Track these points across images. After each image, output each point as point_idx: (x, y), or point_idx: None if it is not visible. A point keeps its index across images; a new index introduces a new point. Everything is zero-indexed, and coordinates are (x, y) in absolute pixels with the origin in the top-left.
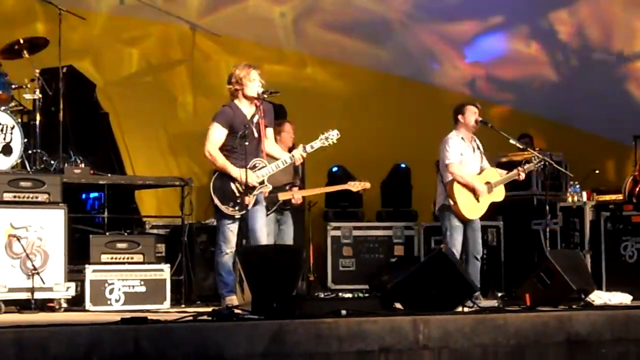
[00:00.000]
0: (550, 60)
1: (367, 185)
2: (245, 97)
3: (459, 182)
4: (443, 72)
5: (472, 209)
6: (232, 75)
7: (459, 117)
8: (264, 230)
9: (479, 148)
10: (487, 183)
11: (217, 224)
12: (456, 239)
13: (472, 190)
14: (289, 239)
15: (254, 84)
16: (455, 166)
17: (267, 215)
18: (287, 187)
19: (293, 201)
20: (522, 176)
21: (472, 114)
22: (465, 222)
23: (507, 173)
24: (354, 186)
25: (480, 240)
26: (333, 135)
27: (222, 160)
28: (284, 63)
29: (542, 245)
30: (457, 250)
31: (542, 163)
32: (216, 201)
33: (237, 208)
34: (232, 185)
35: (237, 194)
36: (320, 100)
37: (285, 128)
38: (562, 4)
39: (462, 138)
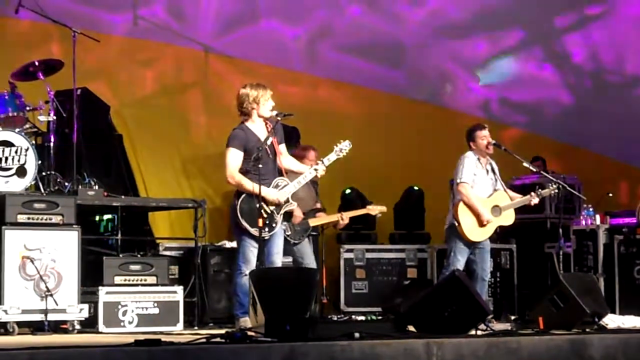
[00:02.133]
0: (564, 83)
1: (384, 209)
2: (259, 116)
3: (465, 204)
4: (456, 94)
5: (477, 231)
6: (247, 95)
7: (471, 144)
8: (280, 255)
9: (493, 171)
10: (496, 206)
11: (238, 245)
12: (459, 259)
13: (477, 215)
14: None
15: (268, 104)
16: (465, 186)
17: (299, 242)
18: (314, 214)
19: (338, 226)
20: (535, 201)
21: (481, 139)
22: (473, 244)
23: (520, 197)
24: (372, 210)
25: (489, 262)
26: (346, 145)
27: (246, 182)
28: (298, 85)
29: (555, 269)
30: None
31: (557, 189)
32: (244, 224)
33: (266, 229)
34: (258, 207)
35: (265, 215)
36: (333, 122)
37: (310, 155)
38: (576, 27)
39: (478, 159)
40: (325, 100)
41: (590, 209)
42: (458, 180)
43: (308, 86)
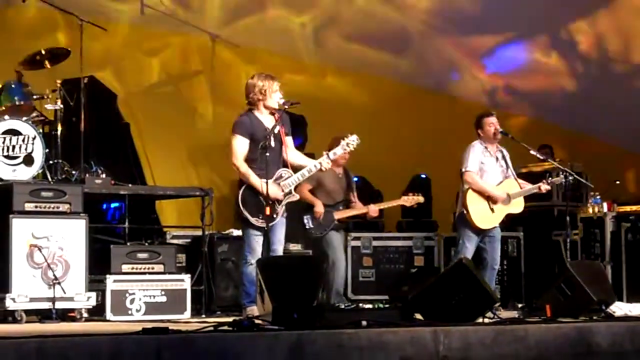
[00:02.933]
0: (570, 71)
1: (420, 199)
2: (266, 107)
3: (474, 190)
4: (463, 82)
5: (486, 218)
6: (254, 85)
7: (479, 131)
8: (282, 244)
9: (504, 158)
10: (505, 194)
11: (243, 234)
12: (468, 247)
13: (488, 199)
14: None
15: (276, 95)
16: (470, 174)
17: (322, 235)
18: (341, 207)
19: (368, 216)
20: (545, 189)
21: (489, 126)
22: (483, 232)
23: (530, 185)
24: (407, 201)
25: (499, 251)
26: (353, 139)
27: (248, 174)
28: (304, 73)
29: (562, 256)
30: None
31: (565, 177)
32: (245, 213)
33: (265, 221)
34: (261, 197)
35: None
36: (340, 110)
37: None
38: (582, 15)
39: (486, 147)
40: (331, 88)
41: (598, 197)
42: (463, 169)
43: (314, 74)
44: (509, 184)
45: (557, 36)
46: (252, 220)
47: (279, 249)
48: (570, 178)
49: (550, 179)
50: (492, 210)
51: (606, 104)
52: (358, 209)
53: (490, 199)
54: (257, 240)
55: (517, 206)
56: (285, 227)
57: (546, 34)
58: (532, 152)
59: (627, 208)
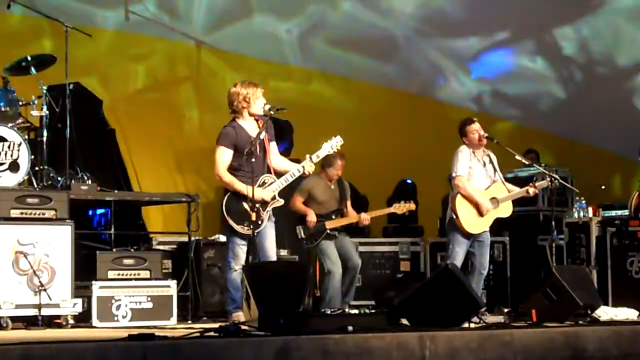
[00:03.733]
0: (556, 76)
1: (412, 206)
2: (250, 114)
3: (462, 196)
4: (449, 87)
5: (475, 223)
6: (237, 93)
7: (464, 139)
8: (274, 248)
9: (491, 162)
10: (493, 198)
11: (227, 241)
12: (458, 252)
13: (476, 205)
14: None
15: (259, 102)
16: (461, 179)
17: (314, 245)
18: (333, 216)
19: (360, 224)
20: (533, 193)
21: (472, 133)
22: (472, 237)
23: (518, 189)
24: (398, 208)
25: (488, 256)
26: (337, 141)
27: (232, 182)
28: (290, 79)
29: (548, 261)
30: (458, 263)
31: (551, 181)
32: (231, 222)
33: (252, 227)
34: (245, 205)
35: (252, 213)
36: (326, 116)
37: (338, 164)
38: (567, 20)
39: (473, 152)
40: (318, 93)
41: (583, 202)
42: (454, 174)
43: (300, 80)
44: (497, 188)
45: (543, 41)
46: (237, 228)
47: (271, 254)
48: (556, 182)
49: (536, 182)
50: (480, 215)
51: (592, 108)
52: (350, 218)
53: (477, 207)
54: (242, 248)
55: (506, 210)
56: (274, 231)
57: (531, 39)
58: (517, 157)
59: (613, 213)
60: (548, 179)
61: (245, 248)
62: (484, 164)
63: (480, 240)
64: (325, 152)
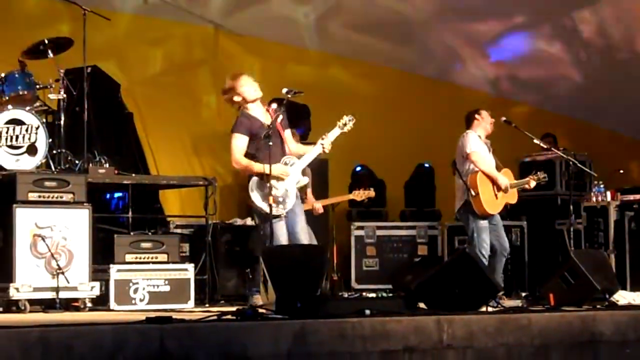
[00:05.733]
0: (574, 60)
1: (372, 193)
2: (249, 102)
3: (482, 172)
4: (466, 71)
5: (492, 203)
6: (226, 92)
7: (476, 115)
8: (305, 232)
9: (491, 151)
10: (507, 182)
11: (264, 230)
12: (484, 239)
13: (493, 184)
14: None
15: (249, 87)
16: (477, 154)
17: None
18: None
19: (314, 213)
20: (532, 185)
21: (487, 116)
22: (489, 218)
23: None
24: (358, 195)
25: (505, 237)
26: (349, 120)
27: (251, 164)
28: (307, 63)
29: (566, 245)
30: (486, 251)
31: (546, 180)
32: (258, 205)
33: (280, 207)
34: (269, 185)
35: (278, 194)
36: (343, 100)
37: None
38: (585, 3)
39: (479, 136)
40: (335, 77)
41: (601, 186)
42: (468, 151)
43: (318, 63)
44: (506, 173)
45: (561, 25)
46: (265, 207)
47: (301, 237)
48: (545, 180)
49: (534, 175)
50: (496, 196)
51: (610, 92)
52: (308, 204)
53: (495, 184)
54: (281, 233)
55: (513, 197)
56: (304, 216)
57: (549, 23)
58: (535, 141)
59: (631, 197)
60: (540, 175)
61: (285, 229)
62: (488, 149)
63: (494, 224)
64: (339, 130)
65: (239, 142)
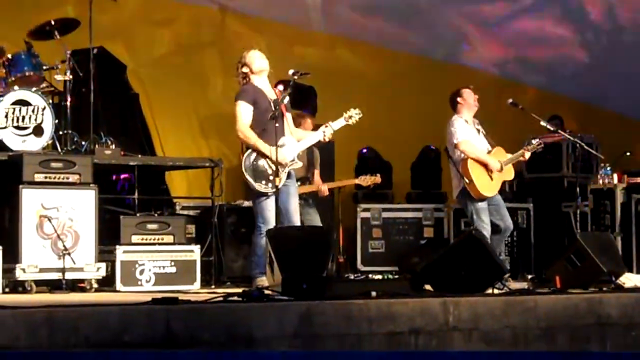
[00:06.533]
0: (581, 41)
1: (378, 179)
2: (255, 73)
3: (472, 159)
4: (474, 53)
5: (488, 186)
6: (237, 64)
7: (458, 99)
8: (297, 210)
9: (481, 131)
10: (499, 162)
11: (253, 205)
12: (484, 220)
13: (485, 167)
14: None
15: (259, 61)
16: (466, 143)
17: None
18: (299, 183)
19: (319, 194)
20: (527, 156)
21: (469, 95)
22: (487, 200)
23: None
24: (364, 181)
25: (508, 215)
26: (356, 113)
27: (254, 138)
28: (314, 45)
29: (572, 228)
30: (487, 232)
31: (542, 146)
32: (249, 179)
33: (269, 185)
34: (264, 163)
35: (269, 172)
36: (350, 82)
37: (306, 124)
38: None
39: (466, 121)
40: (342, 59)
41: (608, 168)
42: (456, 141)
43: (325, 45)
44: (498, 152)
45: (568, 6)
46: (255, 185)
47: (294, 218)
48: (541, 147)
49: (529, 145)
50: (490, 177)
51: (617, 74)
52: (313, 186)
53: (487, 167)
54: (269, 208)
55: (509, 173)
56: (297, 197)
57: (557, 4)
58: (542, 123)
59: (638, 179)
60: (535, 142)
61: (273, 210)
62: (478, 132)
63: (495, 204)
64: (343, 121)
65: (244, 111)
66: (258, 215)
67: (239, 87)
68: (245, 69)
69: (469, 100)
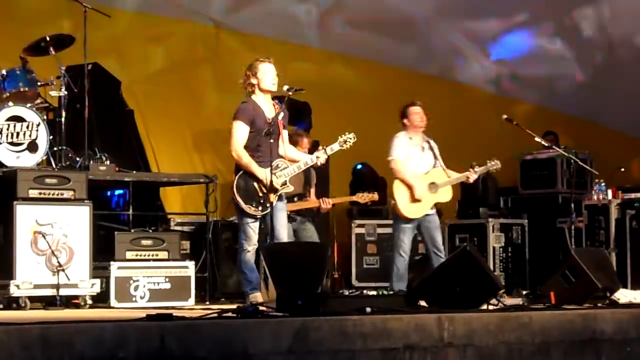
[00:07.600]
0: (575, 57)
1: (375, 197)
2: (261, 90)
3: (399, 179)
4: (468, 69)
5: (413, 207)
6: (247, 69)
7: (404, 120)
8: (285, 229)
9: (431, 149)
10: (432, 183)
11: (238, 222)
12: (402, 240)
13: (410, 189)
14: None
15: (269, 77)
16: (396, 162)
17: None
18: (295, 199)
19: (322, 210)
20: (472, 179)
21: (413, 114)
22: (413, 222)
23: (457, 174)
24: (361, 198)
25: (440, 237)
26: (350, 138)
27: (247, 159)
28: (309, 60)
29: (567, 244)
30: (404, 251)
31: (496, 168)
32: (239, 200)
33: (259, 208)
34: (255, 185)
35: (260, 194)
36: (345, 97)
37: (303, 143)
38: (587, 1)
39: (410, 138)
40: (337, 75)
41: (602, 184)
42: (389, 158)
43: (320, 61)
44: (436, 173)
45: (562, 22)
46: (245, 207)
47: (282, 235)
48: (495, 168)
49: (477, 167)
50: (417, 200)
51: (611, 90)
52: (310, 202)
53: (411, 190)
54: (252, 227)
55: (445, 195)
56: (286, 212)
57: (551, 21)
58: (536, 139)
59: (632, 195)
60: (490, 162)
61: (256, 229)
62: (423, 149)
63: (426, 225)
64: (338, 146)
65: (240, 131)
66: (241, 232)
67: (242, 88)
68: (254, 80)
69: (413, 120)
